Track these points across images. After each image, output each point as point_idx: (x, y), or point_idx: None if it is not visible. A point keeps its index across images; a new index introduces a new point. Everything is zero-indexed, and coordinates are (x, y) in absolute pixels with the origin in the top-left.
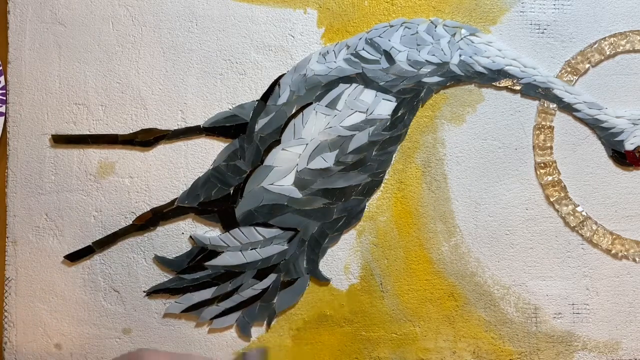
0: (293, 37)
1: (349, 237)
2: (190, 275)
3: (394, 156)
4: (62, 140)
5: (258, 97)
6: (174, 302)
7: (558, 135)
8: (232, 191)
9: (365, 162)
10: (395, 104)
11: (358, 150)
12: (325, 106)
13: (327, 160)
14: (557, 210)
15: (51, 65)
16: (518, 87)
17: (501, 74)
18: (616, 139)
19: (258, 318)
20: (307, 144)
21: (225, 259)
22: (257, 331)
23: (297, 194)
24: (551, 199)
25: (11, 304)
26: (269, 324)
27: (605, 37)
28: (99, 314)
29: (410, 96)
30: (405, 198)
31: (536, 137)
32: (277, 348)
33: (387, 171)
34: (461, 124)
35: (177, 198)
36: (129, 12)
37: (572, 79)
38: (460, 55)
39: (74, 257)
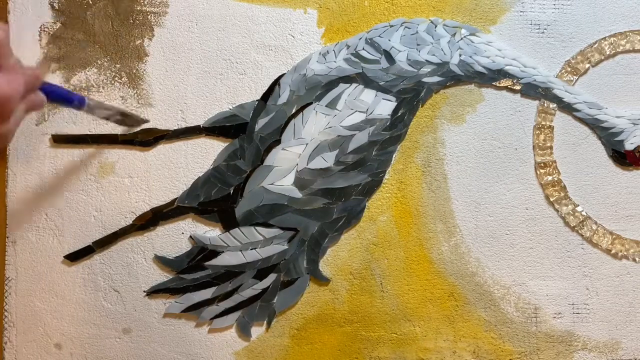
0: (293, 37)
1: (349, 237)
2: (190, 275)
3: (394, 156)
4: (62, 140)
5: (258, 97)
6: (174, 302)
7: (558, 135)
8: (232, 191)
9: (365, 162)
10: (395, 103)
11: (358, 150)
12: (325, 106)
13: (327, 160)
14: (557, 210)
15: (51, 64)
16: (518, 87)
17: (501, 73)
18: (616, 138)
19: (258, 318)
20: (307, 144)
21: (225, 259)
22: (257, 331)
23: (297, 193)
24: (551, 199)
25: (11, 304)
26: (269, 324)
27: (605, 37)
28: (99, 314)
29: (410, 96)
30: (405, 198)
31: (536, 137)
32: (277, 348)
33: (387, 171)
34: (461, 124)
35: (177, 198)
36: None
37: (572, 78)
38: (460, 55)
39: (74, 257)
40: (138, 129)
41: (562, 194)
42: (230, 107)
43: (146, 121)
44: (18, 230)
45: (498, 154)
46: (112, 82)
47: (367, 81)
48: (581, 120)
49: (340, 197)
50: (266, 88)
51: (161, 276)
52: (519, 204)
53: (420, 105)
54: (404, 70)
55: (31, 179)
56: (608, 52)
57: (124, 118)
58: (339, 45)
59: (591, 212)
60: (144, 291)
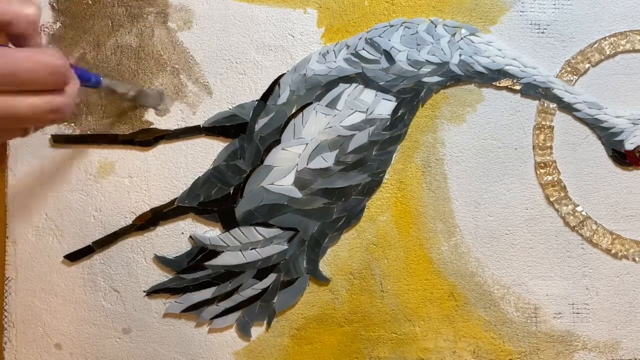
0: (293, 37)
1: (349, 237)
2: (190, 275)
3: (394, 156)
4: (62, 140)
5: (258, 97)
6: (174, 302)
7: (558, 135)
8: (232, 191)
9: (365, 162)
10: (395, 103)
11: (358, 150)
12: (325, 106)
13: (327, 160)
14: (557, 210)
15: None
16: (518, 87)
17: (501, 73)
18: (616, 138)
19: (258, 318)
20: (307, 144)
21: (225, 259)
22: (257, 331)
23: (297, 193)
24: (551, 199)
25: (11, 304)
26: (269, 324)
27: (605, 37)
28: (99, 314)
29: (410, 96)
30: (405, 198)
31: (536, 137)
32: (277, 348)
33: (387, 171)
34: (461, 123)
35: (177, 198)
36: (127, 11)
37: (572, 78)
38: (460, 55)
39: (73, 257)
40: (160, 106)
41: (562, 194)
42: (230, 107)
43: (162, 94)
44: (18, 230)
45: (498, 154)
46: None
47: (367, 81)
48: (581, 120)
49: (340, 197)
50: (266, 88)
51: (161, 276)
52: (519, 204)
53: (420, 105)
54: (404, 70)
55: (31, 179)
56: (608, 52)
57: (144, 97)
58: (339, 45)
59: (591, 212)
60: (144, 291)
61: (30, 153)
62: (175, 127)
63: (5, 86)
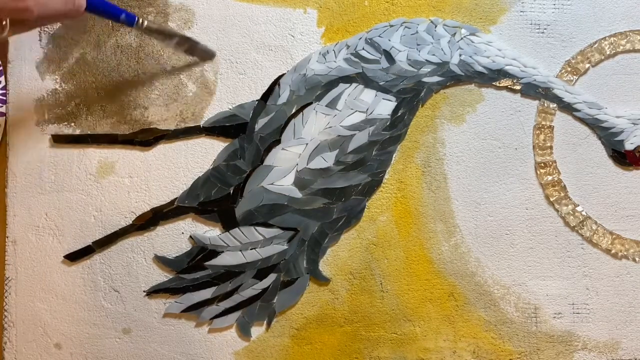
0: (293, 36)
1: (349, 237)
2: (190, 275)
3: (394, 156)
4: (62, 140)
5: (258, 97)
6: (174, 302)
7: (558, 135)
8: (232, 191)
9: (365, 162)
10: (395, 103)
11: (358, 150)
12: (325, 106)
13: (327, 160)
14: (557, 210)
15: (51, 64)
16: (518, 87)
17: (501, 73)
18: (616, 138)
19: (258, 318)
20: (307, 144)
21: (225, 259)
22: (257, 331)
23: (297, 193)
24: (551, 199)
25: (11, 304)
26: (269, 324)
27: (605, 37)
28: (99, 314)
29: (410, 96)
30: (405, 198)
31: (536, 137)
32: (277, 348)
33: (387, 171)
34: (461, 123)
35: (177, 198)
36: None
37: (572, 78)
38: (460, 55)
39: (73, 257)
40: (206, 63)
41: (562, 194)
42: (230, 107)
43: (214, 55)
44: (18, 230)
45: (498, 154)
46: (111, 82)
47: (367, 81)
48: (581, 120)
49: (340, 197)
50: (266, 88)
51: (161, 276)
52: (519, 204)
53: (420, 105)
54: (404, 70)
55: (31, 179)
56: (608, 52)
57: (191, 47)
58: (339, 45)
59: (591, 212)
60: (144, 291)
61: (30, 153)
62: (175, 127)
63: None
